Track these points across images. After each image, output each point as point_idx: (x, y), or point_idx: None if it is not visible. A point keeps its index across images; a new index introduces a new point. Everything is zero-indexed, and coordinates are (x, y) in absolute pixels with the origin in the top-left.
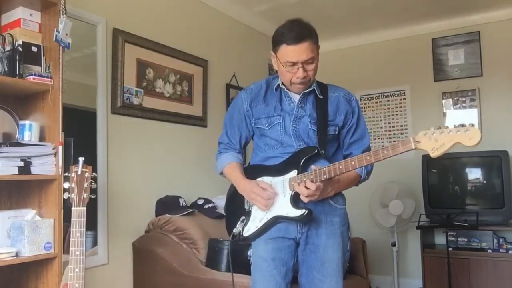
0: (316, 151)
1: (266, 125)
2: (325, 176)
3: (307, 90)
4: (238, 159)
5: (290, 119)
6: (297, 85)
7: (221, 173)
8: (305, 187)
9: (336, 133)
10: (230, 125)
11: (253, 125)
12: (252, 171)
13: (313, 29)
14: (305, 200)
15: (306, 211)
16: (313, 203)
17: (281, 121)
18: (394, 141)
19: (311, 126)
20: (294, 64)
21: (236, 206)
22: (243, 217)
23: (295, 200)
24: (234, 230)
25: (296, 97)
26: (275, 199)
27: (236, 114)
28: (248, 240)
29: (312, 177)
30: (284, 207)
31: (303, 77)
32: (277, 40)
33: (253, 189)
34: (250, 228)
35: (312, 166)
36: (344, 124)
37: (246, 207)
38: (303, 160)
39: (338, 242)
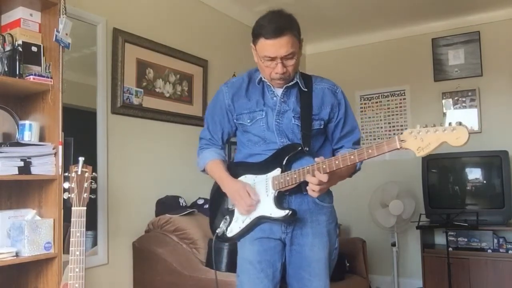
0: (299, 148)
1: (248, 121)
2: (308, 175)
3: (290, 84)
4: (221, 155)
5: (273, 114)
6: (277, 80)
7: (204, 170)
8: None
9: (322, 127)
10: (211, 121)
11: (235, 120)
12: (235, 169)
13: (294, 22)
14: (316, 194)
15: (290, 212)
16: (298, 202)
17: (263, 116)
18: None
19: (295, 121)
20: (272, 59)
21: (220, 205)
22: (226, 217)
23: (279, 200)
24: (218, 230)
25: (279, 91)
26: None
27: (217, 109)
28: (232, 240)
29: (295, 176)
30: (267, 207)
31: (282, 73)
32: (256, 33)
33: (239, 191)
34: (233, 228)
35: (317, 159)
36: (330, 118)
37: (230, 206)
38: (286, 158)
39: (324, 241)
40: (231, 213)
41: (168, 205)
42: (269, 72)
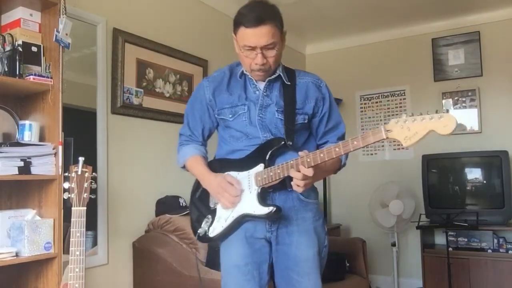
0: (283, 142)
1: (230, 116)
2: (292, 169)
3: (273, 77)
4: (201, 152)
5: (256, 108)
6: (256, 72)
7: (184, 167)
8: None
9: (306, 121)
10: (191, 116)
11: (216, 116)
12: (216, 166)
13: (277, 12)
14: (301, 189)
15: (274, 209)
16: (282, 200)
17: (245, 111)
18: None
19: (278, 115)
20: (252, 49)
21: (201, 204)
22: (208, 216)
23: (263, 197)
24: (199, 231)
25: (262, 85)
26: (241, 196)
27: (197, 104)
28: (214, 240)
29: (279, 171)
30: (250, 205)
31: (261, 64)
32: (237, 22)
33: (221, 183)
34: (216, 228)
35: (300, 153)
36: (314, 112)
37: (211, 205)
38: (269, 153)
39: (312, 239)
40: (213, 212)
41: (168, 205)
42: (249, 63)
